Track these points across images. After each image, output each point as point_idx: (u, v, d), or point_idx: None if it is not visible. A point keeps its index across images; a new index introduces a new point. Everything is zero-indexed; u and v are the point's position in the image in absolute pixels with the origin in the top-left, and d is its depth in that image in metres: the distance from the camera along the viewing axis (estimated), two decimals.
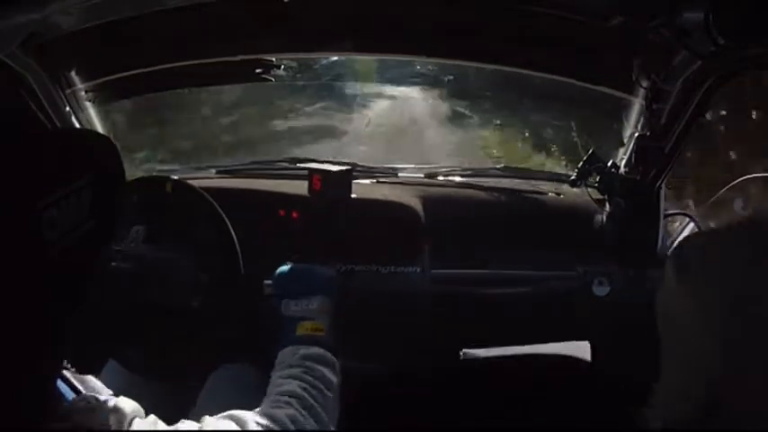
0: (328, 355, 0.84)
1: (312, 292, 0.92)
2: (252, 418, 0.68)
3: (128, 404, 0.60)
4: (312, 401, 0.75)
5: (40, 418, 0.53)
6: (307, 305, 0.90)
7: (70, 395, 0.78)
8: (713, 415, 0.41)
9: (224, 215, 1.12)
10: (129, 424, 0.58)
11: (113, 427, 0.56)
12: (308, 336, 0.86)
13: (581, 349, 1.38)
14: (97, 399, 0.58)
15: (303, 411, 0.74)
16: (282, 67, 1.40)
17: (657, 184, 1.37)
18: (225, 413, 0.69)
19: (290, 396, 0.75)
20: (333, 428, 0.77)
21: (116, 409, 0.58)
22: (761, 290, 0.41)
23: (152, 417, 0.62)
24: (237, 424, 0.66)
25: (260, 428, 0.67)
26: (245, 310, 1.08)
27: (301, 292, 0.92)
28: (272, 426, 0.68)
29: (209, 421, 0.66)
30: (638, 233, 1.40)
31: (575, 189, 1.49)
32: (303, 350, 0.83)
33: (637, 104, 1.31)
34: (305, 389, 0.77)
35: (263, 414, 0.70)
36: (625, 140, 1.40)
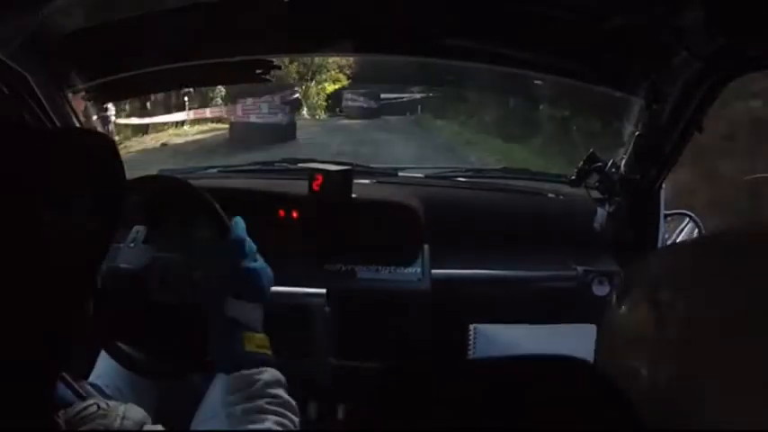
0: (279, 375, 0.86)
1: (258, 298, 0.90)
2: None
3: (137, 411, 0.60)
4: None
5: (43, 422, 0.53)
6: (251, 312, 0.89)
7: (73, 399, 0.79)
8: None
9: (224, 215, 1.12)
10: (142, 425, 0.58)
11: (127, 427, 0.57)
12: (260, 357, 0.86)
13: (585, 350, 1.37)
14: (107, 403, 0.58)
15: None
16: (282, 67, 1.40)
17: (657, 184, 1.36)
18: None
19: None
20: None
21: (126, 416, 0.58)
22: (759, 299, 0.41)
23: (160, 427, 0.62)
24: None
25: None
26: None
27: (248, 294, 0.90)
28: None
29: None
30: (638, 233, 1.40)
31: (575, 189, 1.49)
32: (260, 376, 0.84)
33: (637, 104, 1.31)
34: (278, 423, 0.80)
35: None
36: (625, 140, 1.40)
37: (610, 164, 1.41)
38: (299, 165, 1.63)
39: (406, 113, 15.34)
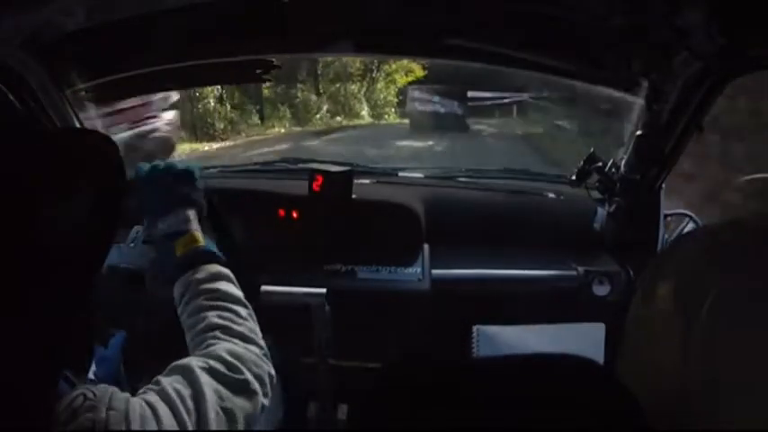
0: (217, 267, 0.84)
1: (176, 206, 0.90)
2: (196, 364, 0.69)
3: (121, 399, 0.60)
4: (233, 325, 0.77)
5: (44, 419, 0.53)
6: (174, 219, 0.89)
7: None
8: (704, 413, 0.41)
9: (224, 215, 1.12)
10: (127, 412, 0.58)
11: (113, 419, 0.57)
12: (189, 254, 0.85)
13: (589, 348, 1.37)
14: (93, 392, 0.58)
15: (233, 339, 0.75)
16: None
17: (657, 184, 1.37)
18: (171, 366, 0.70)
19: (212, 330, 0.76)
20: (260, 340, 0.78)
21: (112, 407, 0.58)
22: (759, 291, 0.41)
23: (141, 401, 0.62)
24: (185, 377, 0.67)
25: (207, 374, 0.68)
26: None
27: (166, 207, 0.90)
28: (216, 365, 0.69)
29: (164, 381, 0.67)
30: (638, 233, 1.40)
31: (575, 189, 1.49)
32: (195, 275, 0.82)
33: (637, 104, 1.31)
34: (220, 316, 0.77)
35: (204, 358, 0.71)
36: (625, 140, 1.40)
37: (610, 164, 1.41)
38: (300, 165, 1.64)
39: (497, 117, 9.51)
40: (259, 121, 10.86)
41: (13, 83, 1.15)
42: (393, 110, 11.79)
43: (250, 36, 1.28)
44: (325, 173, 1.35)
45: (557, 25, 1.16)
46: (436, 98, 9.07)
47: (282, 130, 10.31)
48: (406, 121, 9.95)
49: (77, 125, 1.33)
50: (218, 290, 0.80)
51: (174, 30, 1.20)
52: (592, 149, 1.46)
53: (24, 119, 1.18)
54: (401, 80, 11.73)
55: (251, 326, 0.79)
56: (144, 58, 1.31)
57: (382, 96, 11.85)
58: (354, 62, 10.26)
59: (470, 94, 8.83)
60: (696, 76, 1.12)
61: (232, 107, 10.54)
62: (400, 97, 11.57)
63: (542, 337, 1.35)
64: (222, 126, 10.11)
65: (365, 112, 11.63)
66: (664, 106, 1.22)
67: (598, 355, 1.33)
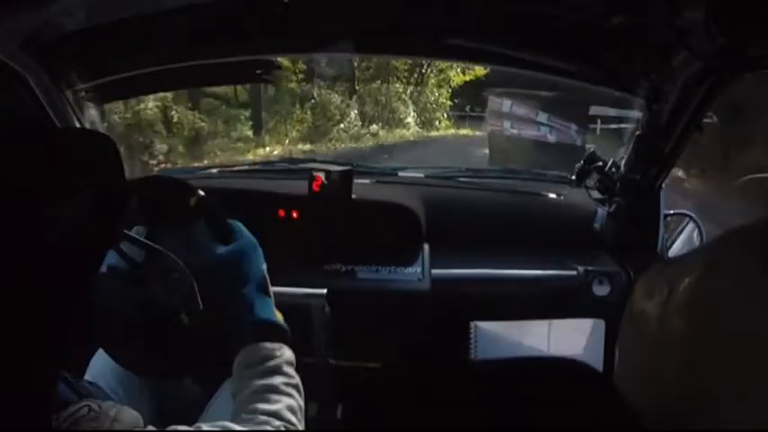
0: (293, 356, 0.82)
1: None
2: None
3: (128, 414, 0.59)
4: (297, 424, 0.74)
5: (43, 422, 0.53)
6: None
7: (72, 398, 0.79)
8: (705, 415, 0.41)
9: (224, 215, 1.12)
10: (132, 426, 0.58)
11: (116, 428, 0.56)
12: (283, 328, 0.83)
13: (586, 346, 1.37)
14: (99, 405, 0.58)
15: None
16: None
17: (657, 184, 1.37)
18: (217, 424, 0.68)
19: (275, 418, 0.73)
20: None
21: (117, 419, 0.57)
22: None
23: (151, 427, 0.62)
24: None
25: None
26: None
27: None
28: None
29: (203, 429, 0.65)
30: (638, 233, 1.40)
31: (575, 189, 1.49)
32: (281, 352, 0.80)
33: (637, 104, 1.31)
34: (290, 408, 0.75)
35: None
36: (625, 140, 1.40)
37: (610, 164, 1.41)
38: (300, 165, 1.64)
39: None
40: (250, 133, 7.50)
41: (13, 83, 1.16)
42: (443, 115, 9.28)
43: (250, 36, 1.28)
44: (325, 173, 1.35)
45: (557, 25, 1.16)
46: (542, 116, 5.37)
47: (277, 151, 7.07)
48: (469, 131, 7.37)
49: (77, 125, 1.33)
50: (294, 377, 0.79)
51: (174, 30, 1.20)
52: (592, 149, 1.46)
53: (24, 119, 1.18)
54: (456, 79, 9.05)
55: (301, 418, 0.77)
56: (144, 58, 1.31)
57: (434, 98, 9.28)
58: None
59: (593, 110, 5.22)
60: (696, 76, 1.12)
61: (205, 110, 6.84)
62: (455, 101, 9.24)
63: (541, 337, 1.35)
64: (166, 149, 6.04)
65: (411, 118, 8.88)
66: (664, 106, 1.22)
67: (597, 354, 1.33)
